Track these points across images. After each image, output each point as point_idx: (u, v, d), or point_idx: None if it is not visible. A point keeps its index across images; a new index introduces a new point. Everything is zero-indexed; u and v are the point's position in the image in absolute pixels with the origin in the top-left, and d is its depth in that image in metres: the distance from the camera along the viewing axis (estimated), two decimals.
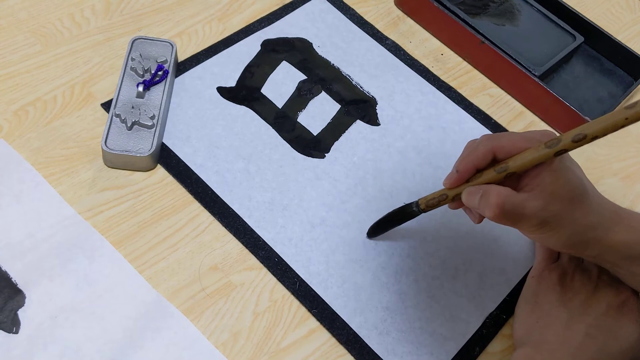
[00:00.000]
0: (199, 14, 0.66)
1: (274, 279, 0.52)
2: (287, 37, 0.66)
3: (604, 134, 0.40)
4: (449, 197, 0.47)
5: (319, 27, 0.67)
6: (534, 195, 0.42)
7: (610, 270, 0.50)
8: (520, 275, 0.55)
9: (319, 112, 0.61)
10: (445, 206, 0.57)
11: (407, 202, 0.53)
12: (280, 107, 0.61)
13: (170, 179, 0.55)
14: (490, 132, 0.63)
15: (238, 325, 0.49)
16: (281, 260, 0.52)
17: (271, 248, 0.53)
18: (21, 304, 0.47)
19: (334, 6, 0.69)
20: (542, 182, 0.42)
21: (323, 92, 0.63)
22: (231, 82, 0.62)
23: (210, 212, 0.54)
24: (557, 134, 0.43)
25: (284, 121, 0.60)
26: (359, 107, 0.62)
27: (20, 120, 0.56)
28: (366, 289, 0.52)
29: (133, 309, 0.48)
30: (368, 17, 0.70)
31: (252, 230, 0.53)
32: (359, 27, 0.68)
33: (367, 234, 0.55)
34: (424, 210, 0.49)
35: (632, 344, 0.47)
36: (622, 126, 0.39)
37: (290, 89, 0.62)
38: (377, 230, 0.54)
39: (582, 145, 0.41)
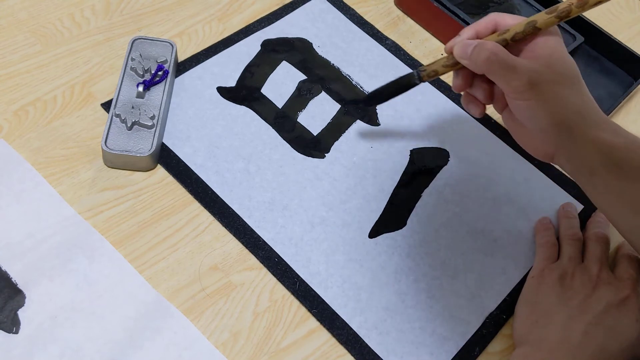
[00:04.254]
0: (199, 14, 0.66)
1: (274, 279, 0.52)
2: (287, 37, 0.66)
3: None
4: (449, 62, 0.48)
5: (319, 27, 0.67)
6: (528, 60, 0.44)
7: (582, 186, 0.46)
8: (520, 275, 0.55)
9: (319, 112, 0.61)
10: (445, 207, 0.57)
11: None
12: (280, 107, 0.61)
13: (170, 179, 0.55)
14: (489, 132, 0.63)
15: (238, 325, 0.49)
16: (281, 260, 0.52)
17: (271, 248, 0.53)
18: (21, 304, 0.47)
19: (334, 6, 0.69)
20: (539, 53, 0.44)
21: (323, 92, 0.63)
22: (231, 82, 0.62)
23: (210, 212, 0.54)
24: None
25: (284, 121, 0.60)
26: (359, 107, 0.62)
27: (20, 120, 0.56)
28: (366, 289, 0.52)
29: (133, 309, 0.48)
30: (368, 17, 0.70)
31: (252, 230, 0.53)
32: (359, 27, 0.68)
33: (364, 101, 0.59)
34: (424, 80, 0.51)
35: (632, 342, 0.47)
36: None
37: (290, 89, 0.62)
38: (373, 99, 0.57)
39: (584, 9, 0.43)
